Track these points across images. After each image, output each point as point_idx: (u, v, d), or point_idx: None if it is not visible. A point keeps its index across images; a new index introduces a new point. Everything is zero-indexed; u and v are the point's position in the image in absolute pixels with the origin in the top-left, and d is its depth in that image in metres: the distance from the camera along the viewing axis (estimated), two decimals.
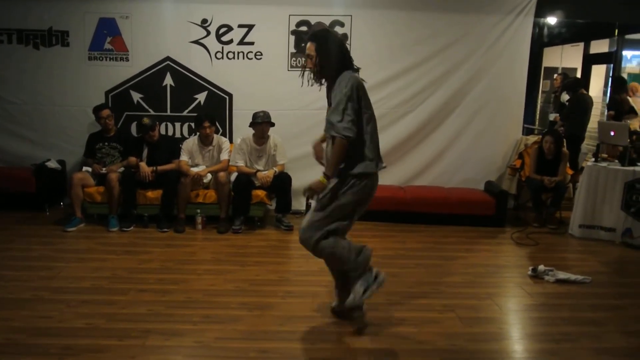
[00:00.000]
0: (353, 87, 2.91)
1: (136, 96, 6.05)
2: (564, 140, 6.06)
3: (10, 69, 5.93)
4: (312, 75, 3.06)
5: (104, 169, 5.46)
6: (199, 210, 5.39)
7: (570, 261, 4.87)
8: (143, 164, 5.36)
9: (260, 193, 5.41)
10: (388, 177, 6.15)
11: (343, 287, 3.27)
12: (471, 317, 3.54)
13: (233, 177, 5.43)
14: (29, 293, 3.68)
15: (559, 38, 9.68)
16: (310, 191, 2.97)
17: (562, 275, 4.21)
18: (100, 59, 5.97)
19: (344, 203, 3.01)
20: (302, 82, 3.15)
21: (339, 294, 3.33)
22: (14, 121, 6.02)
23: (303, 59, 3.07)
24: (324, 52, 2.99)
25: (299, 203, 5.92)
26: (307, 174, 5.84)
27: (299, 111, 5.89)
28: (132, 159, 5.45)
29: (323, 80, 3.09)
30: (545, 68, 10.55)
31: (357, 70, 3.08)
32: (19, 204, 5.76)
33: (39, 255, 4.49)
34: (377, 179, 3.13)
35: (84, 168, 5.56)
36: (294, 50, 5.99)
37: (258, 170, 5.42)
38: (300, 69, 3.14)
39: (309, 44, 3.03)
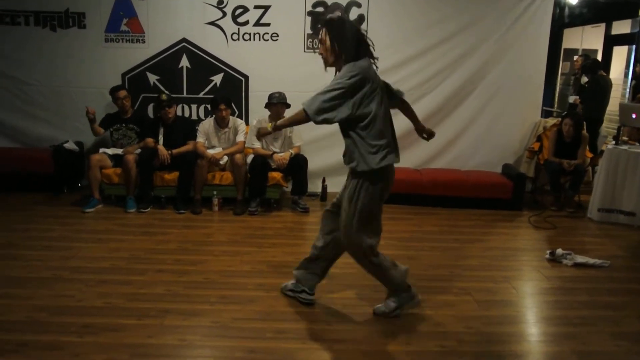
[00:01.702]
0: (356, 78, 2.79)
1: (152, 78, 6.06)
2: (584, 123, 5.97)
3: (28, 50, 5.96)
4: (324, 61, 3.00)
5: (121, 150, 5.49)
6: (215, 192, 5.41)
7: (588, 245, 4.81)
8: (162, 147, 5.38)
9: (277, 175, 5.41)
10: (404, 160, 6.00)
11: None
12: (488, 300, 3.53)
13: (249, 159, 5.44)
14: (49, 272, 3.75)
15: (579, 19, 9.48)
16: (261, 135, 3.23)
17: (580, 258, 4.18)
18: (117, 40, 5.98)
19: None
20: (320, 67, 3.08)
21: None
22: (32, 103, 6.07)
23: (317, 43, 2.96)
24: (336, 40, 2.89)
25: (315, 185, 5.93)
26: (323, 156, 5.88)
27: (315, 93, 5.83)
28: (149, 140, 5.47)
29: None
30: (565, 49, 10.37)
31: (375, 59, 2.97)
32: (38, 185, 5.84)
33: (58, 236, 4.55)
34: (392, 171, 3.07)
35: (101, 150, 5.60)
36: (310, 32, 5.94)
37: (274, 152, 5.42)
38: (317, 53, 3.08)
39: (322, 30, 2.95)
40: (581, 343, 3.01)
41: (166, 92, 5.88)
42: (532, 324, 3.29)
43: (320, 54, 2.99)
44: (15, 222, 4.87)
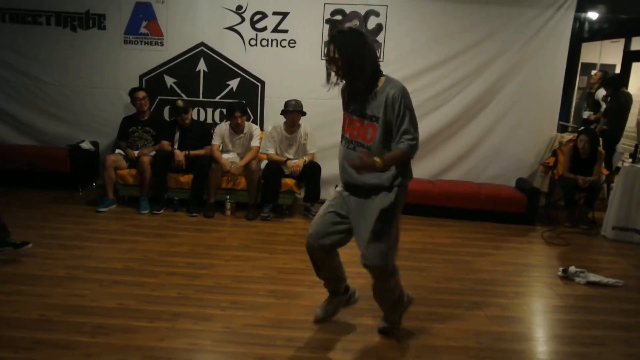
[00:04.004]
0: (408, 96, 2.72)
1: (170, 81, 6.10)
2: (600, 139, 5.92)
3: (48, 50, 6.03)
4: (338, 79, 2.79)
5: (136, 152, 5.54)
6: (228, 196, 5.43)
7: (602, 263, 4.77)
8: (178, 151, 5.42)
9: (290, 181, 5.43)
10: (418, 170, 6.04)
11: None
12: (499, 315, 3.52)
13: (263, 164, 5.46)
14: (63, 271, 3.78)
15: (598, 33, 9.41)
16: (362, 166, 2.72)
17: (593, 277, 4.14)
18: (136, 42, 6.03)
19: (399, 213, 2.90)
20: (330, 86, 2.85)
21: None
22: (51, 102, 6.13)
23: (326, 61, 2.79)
24: (348, 55, 2.69)
25: (327, 193, 5.91)
26: (337, 163, 5.86)
27: (331, 100, 5.76)
28: (165, 143, 5.51)
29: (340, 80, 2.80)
30: (582, 64, 10.29)
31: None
32: (54, 183, 5.90)
33: (72, 235, 4.59)
34: None
35: (117, 150, 5.66)
36: (328, 39, 5.95)
37: (288, 159, 5.43)
38: (326, 73, 2.84)
39: (331, 46, 2.72)
40: None
41: (182, 96, 5.94)
42: (543, 342, 3.27)
43: (334, 72, 2.76)
44: (31, 219, 4.92)
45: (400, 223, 2.90)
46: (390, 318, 3.15)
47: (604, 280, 4.12)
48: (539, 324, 3.56)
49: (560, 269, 4.27)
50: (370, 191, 2.83)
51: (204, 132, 5.65)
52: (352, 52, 2.70)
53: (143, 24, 6.00)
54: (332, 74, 2.80)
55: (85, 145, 5.90)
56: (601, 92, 7.63)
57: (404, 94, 2.70)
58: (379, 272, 2.88)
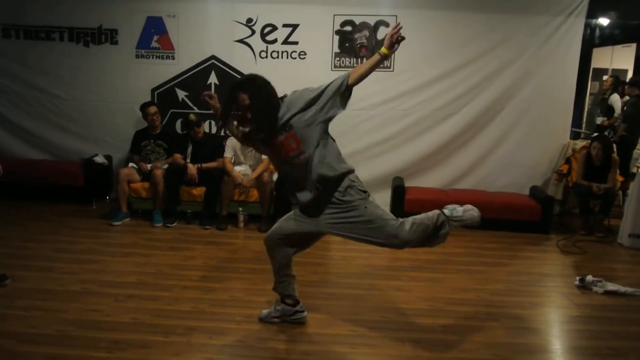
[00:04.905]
0: None
1: (181, 94, 6.15)
2: (615, 145, 5.87)
3: (61, 65, 6.11)
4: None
5: (149, 165, 5.57)
6: (241, 209, 5.44)
7: (619, 272, 4.71)
8: (191, 165, 5.44)
9: None
10: (430, 180, 6.11)
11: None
12: (515, 326, 3.47)
13: (275, 176, 5.46)
14: (78, 286, 3.80)
15: (610, 39, 9.36)
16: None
17: (611, 286, 4.08)
18: (147, 57, 6.09)
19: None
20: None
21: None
22: (64, 116, 6.20)
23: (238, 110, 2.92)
24: (260, 99, 2.86)
25: None
26: None
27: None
28: (177, 156, 5.54)
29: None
30: (594, 69, 10.22)
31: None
32: (67, 196, 5.95)
33: (87, 249, 4.62)
34: None
35: (130, 164, 5.70)
36: (338, 50, 5.98)
37: None
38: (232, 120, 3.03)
39: (240, 95, 2.83)
40: None
41: (194, 109, 5.98)
42: (561, 354, 3.22)
43: (247, 118, 2.89)
44: (45, 233, 4.96)
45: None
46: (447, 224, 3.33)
47: (622, 289, 4.06)
48: (557, 335, 3.52)
49: (577, 278, 4.21)
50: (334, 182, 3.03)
51: (216, 144, 5.67)
52: (267, 95, 2.90)
53: (154, 38, 6.06)
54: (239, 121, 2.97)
55: (99, 159, 5.96)
56: (614, 98, 7.58)
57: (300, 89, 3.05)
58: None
